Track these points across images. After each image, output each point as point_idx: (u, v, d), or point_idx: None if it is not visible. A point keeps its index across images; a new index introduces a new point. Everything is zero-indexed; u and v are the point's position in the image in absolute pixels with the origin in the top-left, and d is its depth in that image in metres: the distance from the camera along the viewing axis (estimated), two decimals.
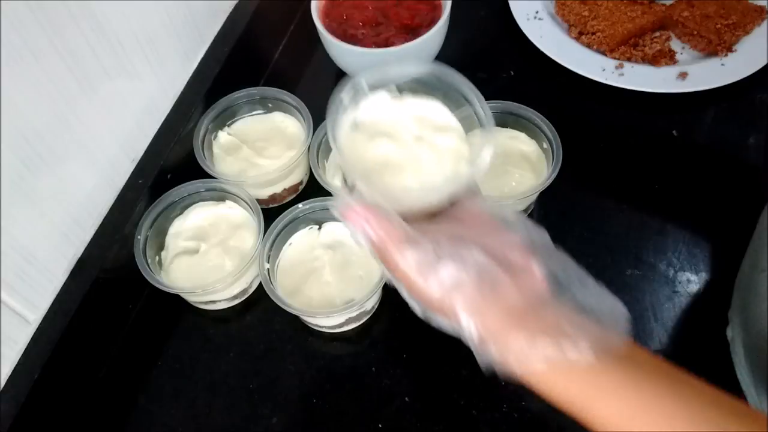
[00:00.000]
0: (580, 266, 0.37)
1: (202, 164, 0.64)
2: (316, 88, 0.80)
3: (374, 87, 0.41)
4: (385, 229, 0.36)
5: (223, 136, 0.69)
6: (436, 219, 0.40)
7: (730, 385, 0.55)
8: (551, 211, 0.68)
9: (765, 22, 0.77)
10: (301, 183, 0.71)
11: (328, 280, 0.60)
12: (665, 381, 0.35)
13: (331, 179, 0.65)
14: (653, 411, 0.34)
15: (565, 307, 0.36)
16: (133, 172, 0.64)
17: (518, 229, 0.38)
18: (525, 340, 0.35)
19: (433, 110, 0.41)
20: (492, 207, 0.40)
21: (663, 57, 0.76)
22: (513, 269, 0.36)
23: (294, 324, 0.62)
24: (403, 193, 0.38)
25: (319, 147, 0.66)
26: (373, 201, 0.38)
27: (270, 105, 0.71)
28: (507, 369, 0.36)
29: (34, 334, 0.55)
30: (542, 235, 0.39)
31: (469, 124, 0.41)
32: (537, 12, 0.81)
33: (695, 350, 0.59)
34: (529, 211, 0.67)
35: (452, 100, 0.41)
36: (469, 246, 0.36)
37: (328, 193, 0.63)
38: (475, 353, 0.37)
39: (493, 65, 0.80)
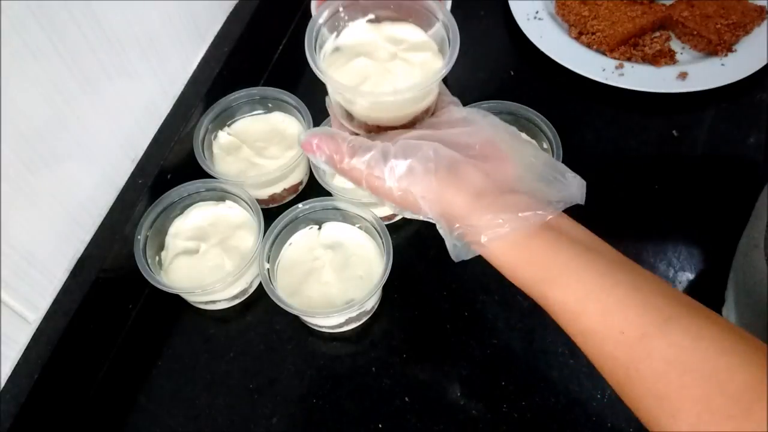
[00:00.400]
0: (545, 154, 0.42)
1: (202, 164, 0.64)
2: (316, 88, 0.80)
3: (352, 14, 0.45)
4: (333, 146, 0.41)
5: (223, 136, 0.69)
6: (416, 128, 0.43)
7: None
8: None
9: (765, 22, 0.77)
10: (301, 183, 0.71)
11: (328, 280, 0.60)
12: (620, 269, 0.37)
13: (331, 179, 0.65)
14: (604, 294, 0.36)
15: (532, 188, 0.39)
16: (133, 172, 0.64)
17: (487, 124, 0.42)
18: (488, 219, 0.37)
19: (408, 32, 0.45)
20: (467, 111, 0.44)
21: (663, 57, 0.76)
22: (479, 157, 0.40)
23: (294, 324, 0.62)
24: (377, 98, 0.42)
25: None
26: (353, 112, 0.43)
27: (270, 105, 0.71)
28: (471, 248, 0.39)
29: (34, 334, 0.55)
30: (512, 130, 0.43)
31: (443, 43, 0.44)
32: (537, 12, 0.81)
33: None
34: None
35: (425, 21, 0.45)
36: (426, 144, 0.39)
37: (328, 193, 0.63)
38: (444, 238, 0.40)
39: (493, 65, 0.80)
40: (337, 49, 0.45)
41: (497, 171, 0.39)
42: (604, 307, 0.35)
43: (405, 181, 0.39)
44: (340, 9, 0.45)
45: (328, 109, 0.46)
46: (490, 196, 0.38)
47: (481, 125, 0.42)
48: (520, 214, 0.37)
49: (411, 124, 0.44)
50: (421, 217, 0.41)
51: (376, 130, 0.44)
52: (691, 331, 0.34)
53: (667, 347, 0.34)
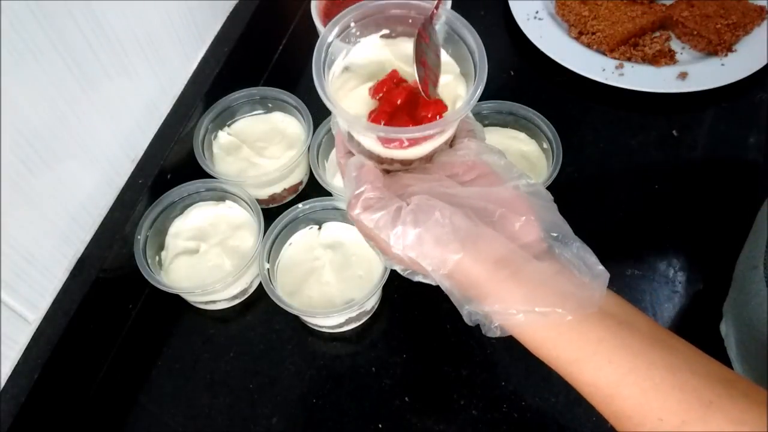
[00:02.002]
0: (564, 221, 0.39)
1: (202, 164, 0.64)
2: (316, 88, 0.80)
3: (365, 29, 0.41)
4: (350, 189, 0.39)
5: (223, 136, 0.69)
6: (434, 161, 0.41)
7: None
8: None
9: (765, 22, 0.77)
10: (301, 183, 0.71)
11: (328, 280, 0.60)
12: (654, 347, 0.34)
13: (331, 179, 0.65)
14: (639, 378, 0.34)
15: (549, 262, 0.36)
16: (133, 172, 0.64)
17: (510, 178, 0.39)
18: (506, 298, 0.35)
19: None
20: (488, 154, 0.41)
21: (663, 57, 0.76)
22: (495, 221, 0.37)
23: (294, 324, 0.62)
24: (391, 134, 0.38)
25: (319, 147, 0.66)
26: (364, 144, 0.39)
27: (270, 105, 0.71)
28: (490, 322, 0.37)
29: (34, 334, 0.55)
30: (535, 188, 0.39)
31: (466, 64, 0.41)
32: (537, 12, 0.81)
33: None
34: None
35: (451, 40, 0.41)
36: (441, 208, 0.37)
37: (328, 193, 0.63)
38: (456, 305, 0.38)
39: (493, 65, 0.80)
40: (347, 69, 0.41)
41: (519, 235, 0.37)
42: (641, 392, 0.33)
43: (413, 251, 0.36)
44: (352, 24, 0.41)
45: (333, 130, 0.43)
46: (510, 267, 0.35)
47: (503, 185, 0.39)
48: (537, 309, 0.35)
49: (428, 158, 0.41)
50: (431, 282, 0.38)
51: (389, 162, 0.40)
52: (733, 416, 0.32)
53: None
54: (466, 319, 0.37)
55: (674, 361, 0.34)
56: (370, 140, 0.39)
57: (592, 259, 0.37)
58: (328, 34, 0.40)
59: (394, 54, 0.41)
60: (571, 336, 0.35)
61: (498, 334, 0.37)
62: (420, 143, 0.39)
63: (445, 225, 0.36)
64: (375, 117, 0.38)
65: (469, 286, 0.36)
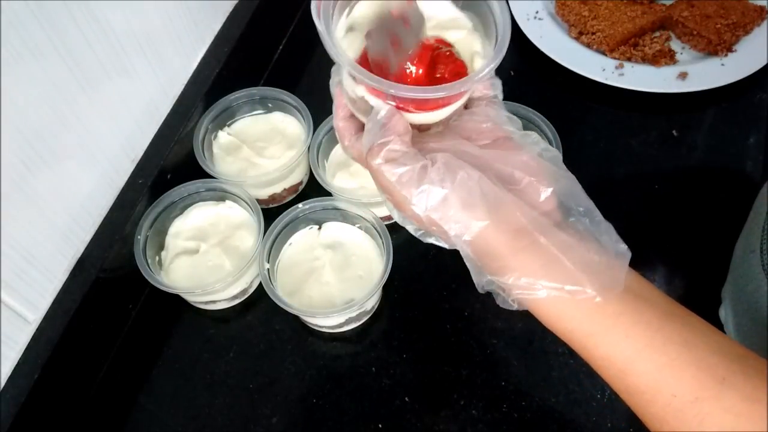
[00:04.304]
0: (586, 195, 0.38)
1: (202, 164, 0.64)
2: (316, 88, 0.80)
3: None
4: (370, 135, 0.36)
5: (223, 136, 0.69)
6: (451, 122, 0.39)
7: None
8: None
9: (765, 22, 0.77)
10: (301, 183, 0.71)
11: (328, 280, 0.60)
12: (671, 322, 0.34)
13: (331, 179, 0.65)
14: (656, 353, 0.33)
15: (570, 234, 0.35)
16: (133, 172, 0.64)
17: (529, 145, 0.38)
18: (527, 269, 0.34)
19: (435, 5, 0.38)
20: (506, 119, 0.39)
21: (663, 57, 0.76)
22: (519, 189, 0.36)
23: (294, 324, 0.62)
24: (412, 94, 0.35)
25: (319, 147, 0.66)
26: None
27: (270, 105, 0.71)
28: (505, 293, 0.36)
29: (34, 334, 0.55)
30: (554, 155, 0.38)
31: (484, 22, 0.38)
32: (537, 12, 0.81)
33: None
34: None
35: None
36: (467, 169, 0.35)
37: (328, 193, 0.63)
38: (471, 272, 0.37)
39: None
40: (351, 29, 0.38)
41: (542, 205, 0.36)
42: (656, 368, 0.33)
43: (436, 213, 0.35)
44: None
45: (332, 90, 0.40)
46: (530, 236, 0.35)
47: (528, 151, 0.38)
48: (566, 288, 0.34)
49: (446, 122, 0.39)
50: (440, 243, 0.37)
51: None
52: (747, 393, 0.32)
53: (721, 413, 0.32)
54: (478, 287, 0.37)
55: (690, 336, 0.34)
56: (381, 101, 0.37)
57: (615, 235, 0.36)
58: None
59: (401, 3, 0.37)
60: (589, 310, 0.34)
61: (515, 307, 0.36)
62: (440, 106, 0.37)
63: (473, 188, 0.34)
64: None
65: (487, 254, 0.35)
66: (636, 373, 0.34)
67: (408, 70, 0.36)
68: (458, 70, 0.36)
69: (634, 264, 0.65)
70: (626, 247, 0.36)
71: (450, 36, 0.37)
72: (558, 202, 0.37)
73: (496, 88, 0.41)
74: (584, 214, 0.37)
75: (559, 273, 0.34)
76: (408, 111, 0.37)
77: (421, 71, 0.36)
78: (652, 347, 0.33)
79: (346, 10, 0.38)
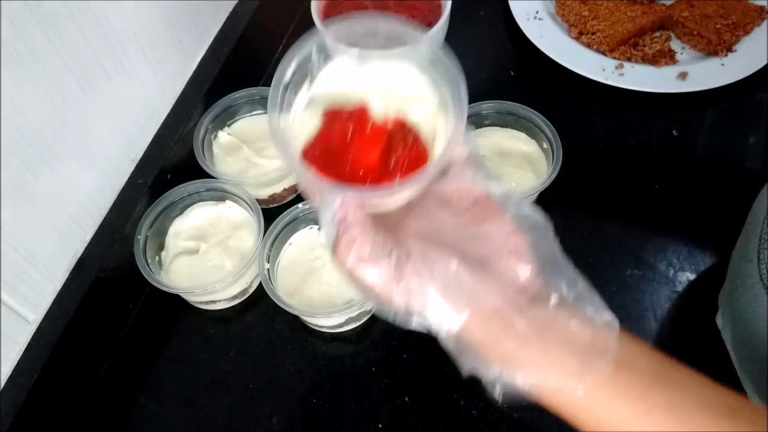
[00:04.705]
0: (568, 259, 0.36)
1: (202, 164, 0.64)
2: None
3: (333, 48, 0.35)
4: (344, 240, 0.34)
5: (223, 136, 0.69)
6: (425, 203, 0.37)
7: (729, 377, 0.55)
8: (551, 211, 0.68)
9: (765, 22, 0.77)
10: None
11: (328, 280, 0.60)
12: (656, 386, 0.33)
13: None
14: (641, 422, 0.33)
15: (550, 311, 0.34)
16: (133, 172, 0.64)
17: (511, 206, 0.37)
18: (506, 359, 0.34)
19: (402, 73, 0.36)
20: (485, 181, 0.37)
21: (663, 57, 0.76)
22: (496, 269, 0.35)
23: (294, 324, 0.62)
24: (367, 199, 0.34)
25: None
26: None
27: None
28: (489, 378, 0.35)
29: (34, 334, 0.55)
30: (535, 221, 0.37)
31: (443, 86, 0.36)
32: (537, 12, 0.81)
33: (695, 350, 0.59)
34: None
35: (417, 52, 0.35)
36: (444, 254, 0.34)
37: None
38: (454, 359, 0.36)
39: (493, 65, 0.80)
40: (311, 103, 0.35)
41: (518, 282, 0.35)
42: None
43: (419, 308, 0.34)
44: (313, 50, 0.35)
45: (298, 181, 0.38)
46: (510, 314, 0.33)
47: (502, 218, 0.36)
48: (547, 380, 0.33)
49: (406, 204, 0.36)
50: (421, 329, 0.36)
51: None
52: None
53: None
54: (462, 372, 0.36)
55: (677, 398, 0.33)
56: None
57: (599, 304, 0.34)
58: (286, 67, 0.34)
59: (366, 80, 0.35)
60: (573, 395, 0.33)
61: (500, 401, 0.35)
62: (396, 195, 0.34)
63: (452, 280, 0.33)
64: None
65: (468, 342, 0.34)
66: None
67: (361, 156, 0.34)
68: (417, 155, 0.34)
69: (634, 263, 0.65)
70: (611, 316, 0.34)
71: (414, 112, 0.35)
72: (538, 275, 0.35)
73: (470, 145, 0.39)
74: (567, 284, 0.35)
75: (537, 362, 0.33)
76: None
77: (374, 158, 0.34)
78: (637, 417, 0.33)
79: (308, 79, 0.36)
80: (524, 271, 0.35)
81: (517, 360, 0.34)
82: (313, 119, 0.35)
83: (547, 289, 0.35)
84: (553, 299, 0.34)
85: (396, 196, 0.34)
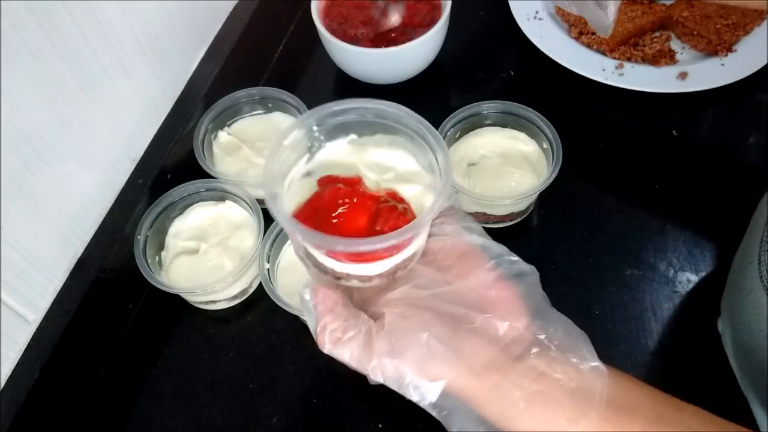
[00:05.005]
0: (552, 309, 0.36)
1: (202, 164, 0.64)
2: (316, 88, 0.80)
3: (328, 131, 0.38)
4: (315, 325, 0.37)
5: (223, 136, 0.69)
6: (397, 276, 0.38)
7: (728, 379, 0.55)
8: (551, 211, 0.68)
9: (765, 22, 0.77)
10: None
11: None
12: (656, 427, 0.33)
13: None
14: None
15: (536, 363, 0.34)
16: (133, 172, 0.64)
17: (494, 257, 0.37)
18: (507, 412, 0.34)
19: (397, 158, 0.38)
20: (467, 235, 0.38)
21: (663, 57, 0.76)
22: (484, 325, 0.35)
23: (294, 324, 0.62)
24: (349, 248, 0.35)
25: None
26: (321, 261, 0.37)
27: (270, 105, 0.71)
28: None
29: (34, 334, 0.55)
30: (517, 270, 0.37)
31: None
32: (537, 12, 0.81)
33: (695, 351, 0.59)
34: (529, 212, 0.67)
35: (416, 144, 0.38)
36: (415, 323, 0.34)
37: None
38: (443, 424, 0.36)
39: (493, 65, 0.80)
40: (308, 174, 0.38)
41: (503, 337, 0.35)
42: None
43: (394, 384, 0.35)
44: (315, 127, 0.38)
45: (293, 245, 0.39)
46: (499, 372, 0.34)
47: (484, 268, 0.36)
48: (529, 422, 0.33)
49: (390, 274, 0.37)
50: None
51: (345, 278, 0.37)
52: None
53: None
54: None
55: None
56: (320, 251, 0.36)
57: (588, 350, 0.35)
58: (284, 136, 0.36)
59: (362, 162, 0.38)
60: None
61: None
62: (376, 258, 0.36)
63: (423, 350, 0.34)
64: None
65: (464, 400, 0.34)
66: None
67: (350, 220, 0.36)
68: (401, 225, 0.35)
69: (634, 263, 0.65)
70: (598, 364, 0.34)
71: (406, 190, 0.37)
72: (528, 325, 0.35)
73: (453, 199, 0.40)
74: (553, 333, 0.35)
75: (536, 416, 0.33)
76: (342, 261, 0.36)
77: (363, 223, 0.36)
78: None
79: (307, 155, 0.39)
80: (502, 328, 0.35)
81: (515, 416, 0.33)
82: (306, 188, 0.38)
83: (537, 338, 0.35)
84: (544, 349, 0.34)
85: (375, 257, 0.35)
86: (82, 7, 0.53)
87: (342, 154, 0.39)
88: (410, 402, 0.59)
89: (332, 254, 0.36)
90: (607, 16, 0.56)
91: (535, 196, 0.64)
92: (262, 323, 0.63)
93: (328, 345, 0.36)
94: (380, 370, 0.34)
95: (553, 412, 0.33)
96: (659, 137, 0.73)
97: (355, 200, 0.36)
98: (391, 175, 0.38)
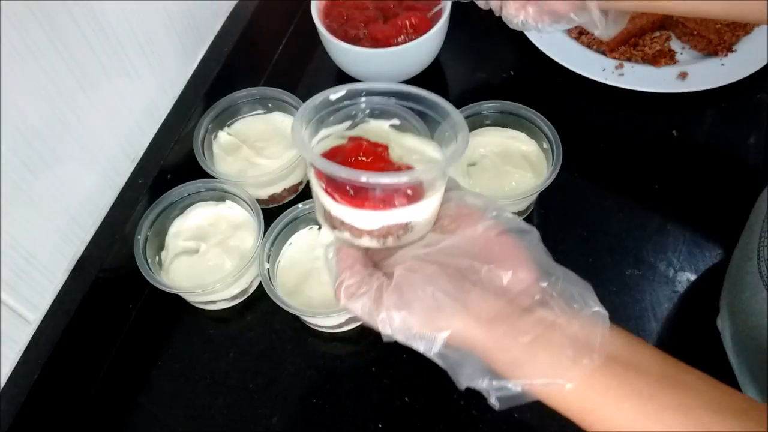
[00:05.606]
0: (551, 258, 0.37)
1: (202, 164, 0.64)
2: (316, 88, 0.80)
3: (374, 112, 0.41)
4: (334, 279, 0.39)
5: (223, 136, 0.69)
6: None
7: (728, 379, 0.54)
8: (551, 211, 0.68)
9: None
10: (301, 183, 0.71)
11: (328, 280, 0.60)
12: (663, 387, 0.34)
13: None
14: (650, 422, 0.33)
15: (542, 312, 0.35)
16: (133, 172, 0.64)
17: (490, 211, 0.38)
18: (501, 364, 0.34)
19: (428, 148, 0.41)
20: (468, 197, 0.40)
21: (663, 57, 0.76)
22: (489, 275, 0.36)
23: (294, 324, 0.62)
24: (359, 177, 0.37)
25: None
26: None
27: (270, 105, 0.71)
28: (483, 387, 0.36)
29: (34, 334, 0.55)
30: (521, 224, 0.38)
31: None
32: None
33: (695, 350, 0.59)
34: (528, 211, 0.67)
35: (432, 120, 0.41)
36: (421, 277, 0.36)
37: None
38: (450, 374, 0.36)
39: (493, 65, 0.80)
40: (341, 136, 0.41)
41: (508, 288, 0.36)
42: None
43: (401, 335, 0.36)
44: (363, 101, 0.41)
45: (317, 214, 0.42)
46: (506, 322, 0.34)
47: (482, 222, 0.38)
48: (535, 382, 0.34)
49: (396, 229, 0.39)
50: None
51: (354, 232, 0.39)
52: None
53: None
54: (460, 387, 0.36)
55: (684, 399, 0.33)
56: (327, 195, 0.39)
57: (590, 298, 0.36)
58: (333, 91, 0.40)
59: (396, 141, 0.41)
60: (576, 388, 0.34)
61: (498, 406, 0.36)
62: (371, 206, 0.37)
63: (429, 302, 0.35)
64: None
65: (472, 349, 0.35)
66: None
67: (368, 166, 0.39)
68: (406, 192, 0.37)
69: (633, 263, 0.65)
70: (600, 309, 0.35)
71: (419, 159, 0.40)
72: (528, 279, 0.36)
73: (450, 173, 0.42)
74: (556, 282, 0.36)
75: (528, 361, 0.34)
76: (338, 201, 0.38)
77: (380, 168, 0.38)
78: (646, 417, 0.33)
79: (348, 122, 0.42)
80: (507, 277, 0.36)
81: (521, 363, 0.34)
82: (329, 141, 0.40)
83: (541, 287, 0.36)
84: (548, 297, 0.35)
85: (377, 203, 0.37)
86: (82, 7, 0.53)
87: (380, 132, 0.41)
88: (410, 402, 0.60)
89: (332, 189, 0.38)
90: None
91: (535, 196, 0.64)
92: (262, 323, 0.63)
93: (343, 299, 0.37)
94: (388, 322, 0.36)
95: (557, 353, 0.34)
96: (659, 137, 0.73)
97: (371, 159, 0.38)
98: (417, 158, 0.40)
